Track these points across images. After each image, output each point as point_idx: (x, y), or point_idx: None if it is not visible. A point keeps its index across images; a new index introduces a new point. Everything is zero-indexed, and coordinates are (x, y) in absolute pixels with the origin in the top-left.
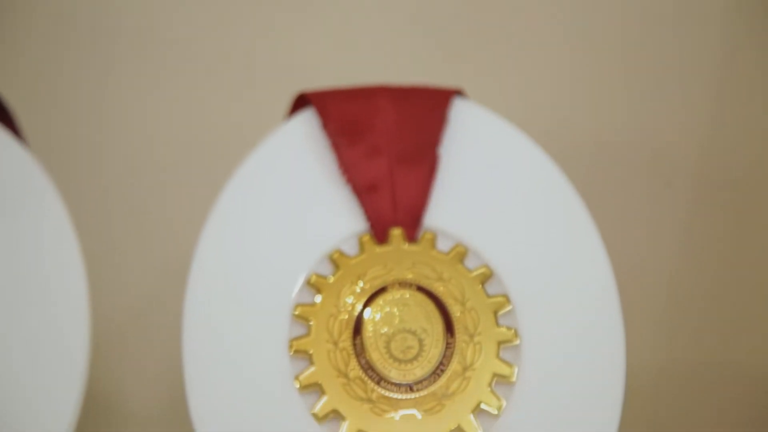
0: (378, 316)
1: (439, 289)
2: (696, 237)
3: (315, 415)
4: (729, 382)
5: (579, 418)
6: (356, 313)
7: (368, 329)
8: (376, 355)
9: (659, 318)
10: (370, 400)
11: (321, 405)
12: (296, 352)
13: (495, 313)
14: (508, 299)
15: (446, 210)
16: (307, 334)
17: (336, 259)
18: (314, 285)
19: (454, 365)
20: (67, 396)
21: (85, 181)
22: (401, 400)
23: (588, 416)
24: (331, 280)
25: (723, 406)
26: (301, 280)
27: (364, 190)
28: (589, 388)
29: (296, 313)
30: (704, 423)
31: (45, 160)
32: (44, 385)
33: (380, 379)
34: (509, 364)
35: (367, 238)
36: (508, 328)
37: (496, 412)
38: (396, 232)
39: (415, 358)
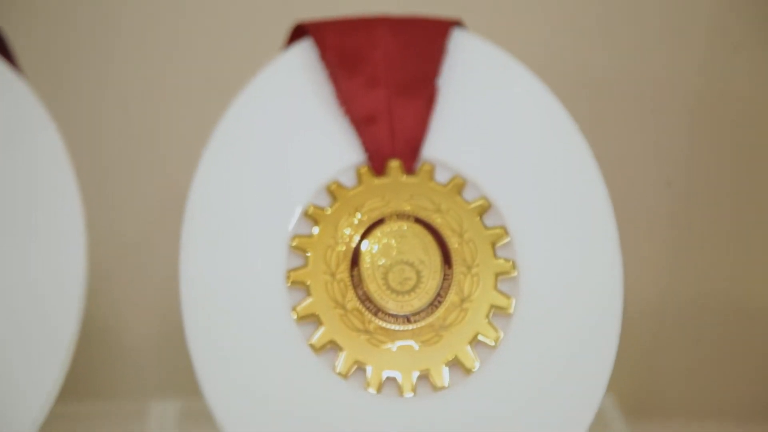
0: (376, 248)
1: (436, 220)
2: (697, 170)
3: (312, 346)
4: (729, 316)
5: (576, 349)
6: (354, 245)
7: (366, 261)
8: (373, 287)
9: (658, 252)
10: (367, 331)
11: (318, 336)
12: (294, 283)
13: (493, 244)
14: (506, 231)
15: (444, 142)
16: (305, 266)
17: (334, 191)
18: (312, 216)
19: (452, 297)
20: (62, 327)
21: (82, 113)
22: (398, 331)
23: (585, 348)
24: (329, 211)
25: (722, 340)
26: (298, 212)
27: (362, 122)
28: (587, 321)
29: (294, 244)
30: (703, 358)
31: (41, 93)
32: (40, 316)
33: (378, 311)
34: (507, 296)
35: (365, 169)
36: (506, 260)
37: (493, 344)
38: (394, 164)
39: (413, 289)
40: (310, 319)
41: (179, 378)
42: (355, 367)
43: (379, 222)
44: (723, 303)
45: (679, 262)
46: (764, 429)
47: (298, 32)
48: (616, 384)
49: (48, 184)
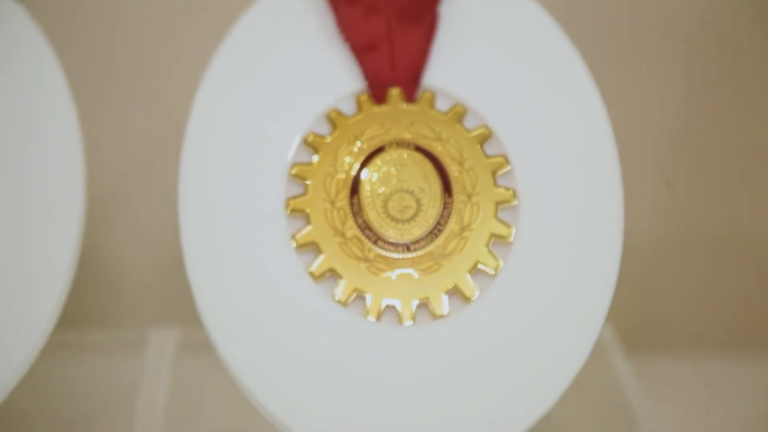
0: (375, 176)
1: (437, 149)
2: (697, 102)
3: (312, 274)
4: (728, 246)
5: (575, 279)
6: (354, 173)
7: (366, 189)
8: (373, 215)
9: (659, 184)
10: (367, 260)
11: (318, 264)
12: (293, 211)
13: (493, 173)
14: (506, 160)
15: (445, 69)
16: (304, 194)
17: (333, 119)
18: (311, 144)
19: (452, 225)
20: (60, 256)
21: (80, 40)
22: (398, 259)
23: (584, 278)
24: (329, 139)
25: (721, 270)
26: (298, 140)
27: (362, 49)
28: (587, 250)
29: (293, 172)
30: (701, 288)
31: (40, 21)
32: (38, 245)
33: (377, 239)
34: (507, 225)
35: (365, 97)
36: (507, 189)
37: (493, 273)
38: (394, 92)
39: (413, 217)
40: (310, 247)
41: (178, 307)
42: (355, 295)
43: (379, 150)
44: (722, 233)
45: (679, 192)
46: (763, 357)
47: None
48: (616, 314)
49: (46, 111)
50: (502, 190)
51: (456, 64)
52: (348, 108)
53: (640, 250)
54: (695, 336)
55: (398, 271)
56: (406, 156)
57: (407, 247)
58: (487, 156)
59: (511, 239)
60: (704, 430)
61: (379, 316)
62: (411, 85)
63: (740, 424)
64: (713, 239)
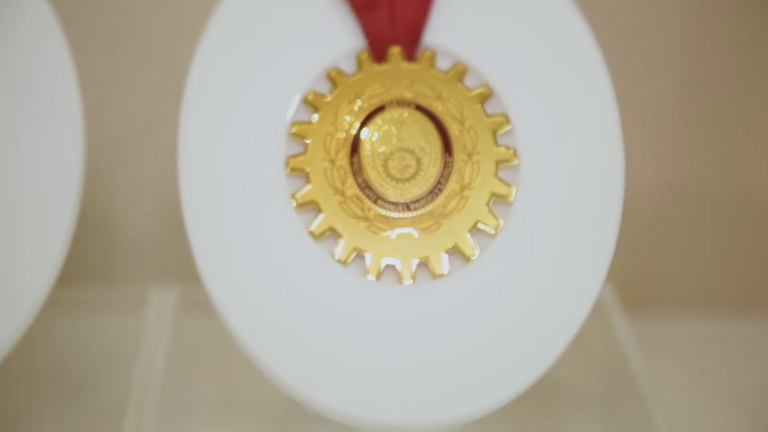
0: (376, 135)
1: (437, 108)
2: (700, 54)
3: (312, 233)
4: (730, 206)
5: (576, 239)
6: (354, 132)
7: (366, 148)
8: (373, 174)
9: (661, 140)
10: (366, 219)
11: (318, 223)
12: (293, 170)
13: (494, 132)
14: (507, 119)
15: (446, 28)
16: (304, 152)
17: (334, 77)
18: (311, 103)
19: (452, 184)
20: (60, 213)
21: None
22: (398, 218)
23: (585, 238)
24: (329, 98)
25: (723, 230)
26: (297, 98)
27: (362, 7)
28: (587, 210)
29: (293, 131)
30: (702, 248)
31: None
32: (37, 202)
33: (377, 198)
34: (507, 184)
35: (365, 56)
36: (507, 148)
37: (493, 232)
38: (395, 50)
39: (413, 177)
40: (310, 206)
41: (178, 265)
42: (355, 254)
43: (379, 109)
44: (723, 192)
45: (681, 150)
46: (763, 317)
47: None
48: (616, 274)
49: (45, 71)
50: (502, 149)
51: (457, 22)
52: (348, 67)
53: (640, 210)
54: (695, 295)
55: (398, 231)
56: (406, 115)
57: (407, 207)
58: (487, 115)
59: (512, 199)
60: (703, 389)
61: (378, 275)
62: (411, 44)
63: (739, 383)
64: (715, 199)
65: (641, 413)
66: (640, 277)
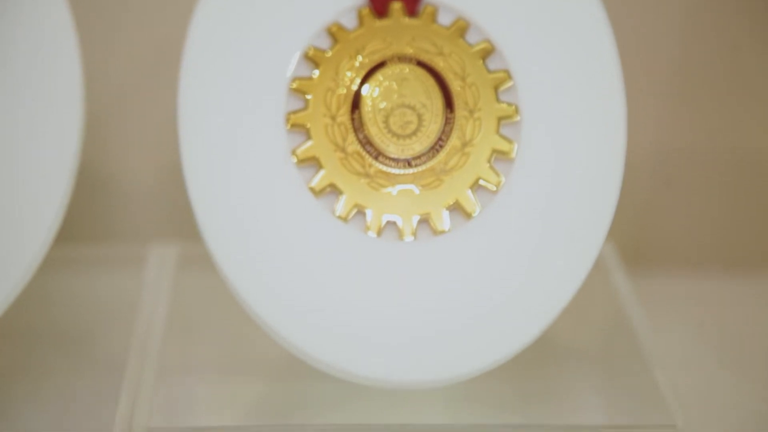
0: (377, 91)
1: (439, 63)
2: (704, 15)
3: (312, 189)
4: (731, 165)
5: (577, 196)
6: (355, 88)
7: (367, 104)
8: (374, 130)
9: (663, 100)
10: (367, 175)
11: (318, 179)
12: (293, 126)
13: (495, 88)
14: (509, 75)
15: None
16: (305, 108)
17: (334, 33)
18: (312, 58)
19: (453, 141)
20: (59, 169)
21: None
22: (399, 175)
23: (586, 195)
24: (329, 53)
25: (724, 189)
26: (298, 54)
27: None
28: (589, 167)
29: (293, 86)
30: (703, 207)
31: None
32: (36, 158)
33: (378, 154)
34: (509, 141)
35: (366, 11)
36: (509, 104)
37: (494, 189)
38: (396, 6)
39: (414, 133)
40: (310, 162)
41: (178, 222)
42: (355, 210)
43: (380, 65)
44: (725, 151)
45: (682, 110)
46: (764, 276)
47: None
48: (617, 232)
49: (45, 25)
50: (504, 105)
51: None
52: (349, 22)
53: (642, 167)
54: (695, 254)
55: (399, 187)
56: (407, 71)
57: (408, 163)
58: (489, 71)
59: (513, 155)
60: (703, 347)
61: (379, 232)
62: None
63: (739, 341)
64: (717, 157)
65: (641, 370)
66: (641, 236)
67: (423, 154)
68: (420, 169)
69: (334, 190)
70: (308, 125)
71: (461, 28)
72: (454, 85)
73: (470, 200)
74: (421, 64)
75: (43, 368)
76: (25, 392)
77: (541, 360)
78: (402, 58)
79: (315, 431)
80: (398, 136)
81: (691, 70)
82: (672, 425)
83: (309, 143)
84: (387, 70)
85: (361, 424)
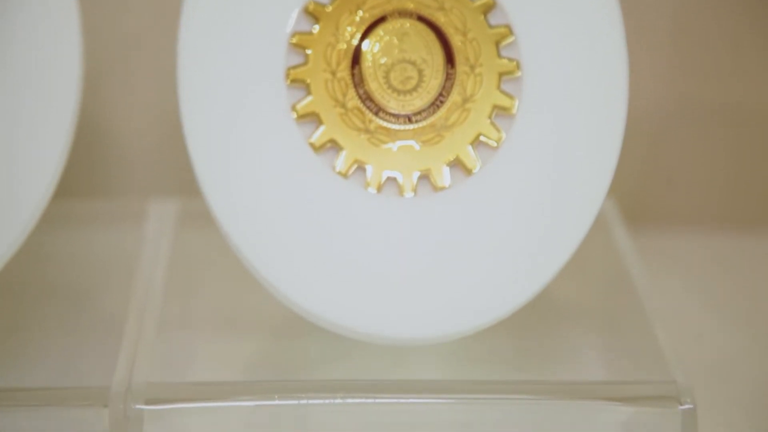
0: (377, 47)
1: (440, 18)
2: None
3: (312, 145)
4: (732, 121)
5: (578, 152)
6: (355, 43)
7: (367, 59)
8: (374, 86)
9: (665, 55)
10: (367, 131)
11: (318, 134)
12: (293, 81)
13: (497, 44)
14: (510, 30)
15: None
16: (305, 63)
17: None
18: (312, 13)
19: (454, 96)
20: (58, 124)
21: None
22: (399, 130)
23: (587, 151)
24: (330, 8)
25: (725, 145)
26: (298, 9)
27: None
28: (590, 123)
29: (293, 41)
30: (705, 163)
31: None
32: (35, 113)
33: (378, 110)
34: (510, 96)
35: None
36: (510, 60)
37: (495, 145)
38: None
39: (415, 88)
40: (310, 117)
41: (178, 177)
42: (356, 166)
43: (380, 20)
44: (727, 107)
45: (684, 65)
46: (765, 232)
47: None
48: (618, 188)
49: None
50: (505, 61)
51: None
52: None
53: (644, 123)
54: (697, 210)
55: (399, 143)
56: (408, 26)
57: (409, 119)
58: (490, 26)
59: (514, 111)
60: (704, 303)
61: (379, 188)
62: None
63: (740, 298)
64: (719, 112)
65: (641, 327)
66: (642, 192)
67: (423, 110)
68: (420, 124)
69: (334, 145)
70: (308, 80)
71: None
72: (455, 41)
73: (471, 156)
74: (422, 19)
75: (43, 324)
76: (24, 348)
77: (541, 317)
78: (403, 13)
79: (314, 387)
80: (399, 92)
81: (693, 25)
82: (672, 381)
83: (309, 98)
84: (387, 25)
85: (361, 380)
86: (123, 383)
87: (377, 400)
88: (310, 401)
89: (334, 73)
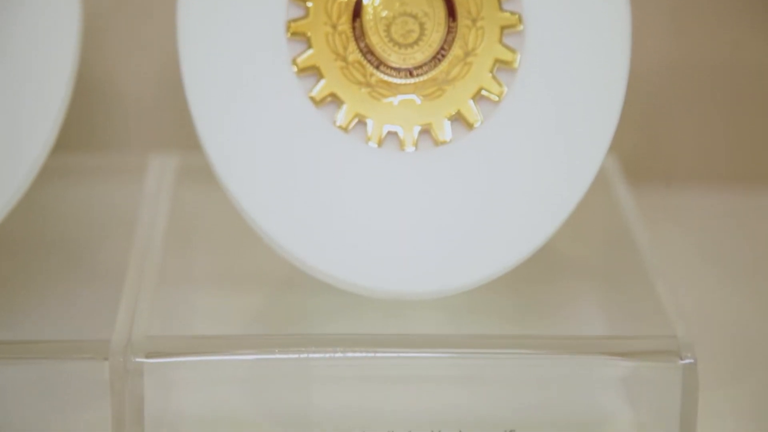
0: (378, 0)
1: None
2: None
3: (312, 99)
4: (735, 78)
5: (580, 107)
6: None
7: (368, 12)
8: (375, 39)
9: (669, 10)
10: (368, 84)
11: (319, 88)
12: (293, 34)
13: None
14: None
15: None
16: (305, 16)
17: None
18: None
19: (456, 50)
20: (58, 75)
21: None
22: (400, 84)
23: (589, 107)
24: None
25: (728, 103)
26: None
27: None
28: (592, 78)
29: None
30: (707, 120)
31: None
32: (34, 64)
33: (379, 64)
34: (512, 50)
35: None
36: (512, 13)
37: (497, 99)
38: None
39: (416, 42)
40: (311, 71)
41: (178, 132)
42: (356, 120)
43: None
44: (729, 63)
45: (687, 23)
46: (764, 189)
47: None
48: (619, 145)
49: None
50: (507, 14)
51: None
52: None
53: (646, 79)
54: (698, 166)
55: (400, 97)
56: None
57: (410, 72)
58: None
59: (516, 65)
60: (705, 260)
61: (380, 142)
62: None
63: (739, 255)
64: (721, 69)
65: (642, 283)
66: (643, 149)
67: (425, 64)
68: (422, 78)
69: (334, 99)
70: (309, 34)
71: None
72: None
73: (472, 110)
74: None
75: (43, 278)
76: (25, 302)
77: (541, 272)
78: None
79: (314, 341)
80: (400, 45)
81: None
82: (672, 335)
83: (309, 52)
84: None
85: (361, 334)
86: (123, 337)
87: (377, 354)
88: (310, 355)
89: (334, 27)
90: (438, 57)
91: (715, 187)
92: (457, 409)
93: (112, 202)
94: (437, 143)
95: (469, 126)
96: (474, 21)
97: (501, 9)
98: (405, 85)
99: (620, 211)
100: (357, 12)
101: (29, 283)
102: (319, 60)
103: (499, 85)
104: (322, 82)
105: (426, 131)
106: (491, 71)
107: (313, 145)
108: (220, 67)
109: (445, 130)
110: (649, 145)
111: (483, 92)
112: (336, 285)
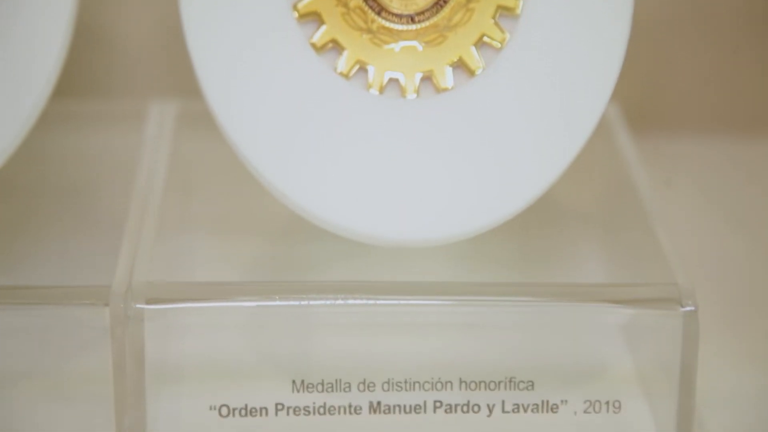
0: None
1: None
2: None
3: (313, 45)
4: (739, 24)
5: (582, 54)
6: None
7: None
8: None
9: None
10: (369, 31)
11: (320, 34)
12: None
13: None
14: None
15: None
16: None
17: None
18: None
19: None
20: (56, 23)
21: None
22: (402, 31)
23: (591, 54)
24: None
25: (730, 48)
26: None
27: None
28: (595, 25)
29: None
30: (709, 69)
31: None
32: (33, 10)
33: (381, 9)
34: None
35: None
36: None
37: (499, 46)
38: None
39: None
40: (311, 17)
41: (179, 78)
42: (357, 67)
43: None
44: (733, 11)
45: None
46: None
47: None
48: (622, 93)
49: None
50: None
51: None
52: None
53: (649, 27)
54: (701, 115)
55: (402, 43)
56: None
57: (411, 19)
58: None
59: (519, 11)
60: (707, 208)
61: (381, 89)
62: None
63: (742, 202)
64: (724, 17)
65: (643, 230)
66: (645, 97)
67: (426, 10)
68: (423, 25)
69: (335, 46)
70: None
71: None
72: None
73: (474, 57)
74: None
75: (43, 224)
76: (25, 247)
77: (543, 220)
78: None
79: (315, 288)
80: None
81: None
82: (673, 283)
83: None
84: None
85: (362, 282)
86: (124, 282)
87: (378, 302)
88: (311, 302)
89: None
90: (440, 3)
91: (718, 135)
92: (456, 356)
93: (112, 148)
94: (439, 90)
95: (471, 73)
96: None
97: None
98: (406, 31)
99: (622, 160)
100: None
101: (29, 229)
102: (319, 5)
103: (502, 31)
104: (323, 29)
105: (427, 78)
106: (493, 18)
107: (313, 92)
108: (220, 14)
109: (446, 77)
110: (652, 93)
111: (485, 39)
112: (337, 232)
